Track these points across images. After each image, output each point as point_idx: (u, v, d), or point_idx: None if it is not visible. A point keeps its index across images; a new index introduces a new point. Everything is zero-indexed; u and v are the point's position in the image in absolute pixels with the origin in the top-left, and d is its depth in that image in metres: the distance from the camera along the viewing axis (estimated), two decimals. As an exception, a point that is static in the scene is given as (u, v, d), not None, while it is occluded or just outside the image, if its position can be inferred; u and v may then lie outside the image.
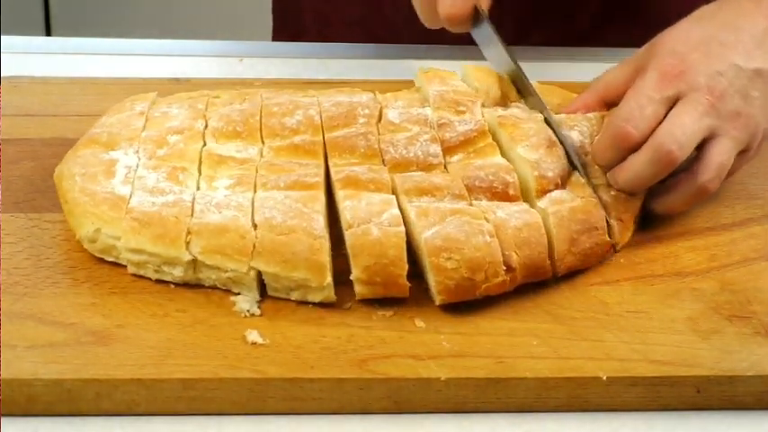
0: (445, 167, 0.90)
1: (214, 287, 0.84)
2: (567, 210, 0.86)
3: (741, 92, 0.89)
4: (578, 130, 0.94)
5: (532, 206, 0.88)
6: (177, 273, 0.84)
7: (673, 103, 0.88)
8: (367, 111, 0.94)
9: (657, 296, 0.85)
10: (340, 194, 0.86)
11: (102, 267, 0.85)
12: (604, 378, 0.78)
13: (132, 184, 0.87)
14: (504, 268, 0.82)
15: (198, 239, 0.83)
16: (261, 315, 0.82)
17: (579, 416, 0.79)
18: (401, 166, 0.89)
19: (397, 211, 0.84)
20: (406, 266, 0.82)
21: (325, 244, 0.82)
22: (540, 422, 0.78)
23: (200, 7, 2.39)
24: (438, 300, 0.82)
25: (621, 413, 0.79)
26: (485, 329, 0.81)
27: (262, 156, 0.91)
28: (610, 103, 0.95)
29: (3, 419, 0.76)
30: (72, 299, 0.83)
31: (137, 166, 0.89)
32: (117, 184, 0.87)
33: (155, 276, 0.84)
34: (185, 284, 0.84)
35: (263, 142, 0.92)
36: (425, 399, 0.78)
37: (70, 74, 1.10)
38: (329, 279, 0.81)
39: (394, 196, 0.86)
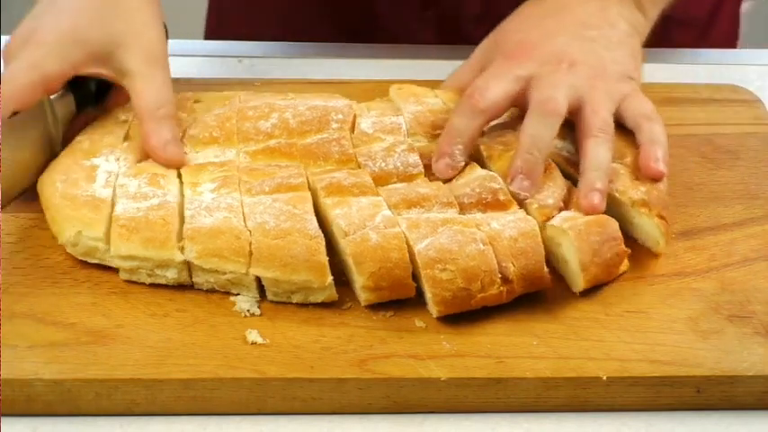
0: (425, 177, 0.89)
1: (212, 290, 0.84)
2: (583, 223, 0.85)
3: (590, 53, 0.92)
4: (569, 138, 0.93)
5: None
6: (171, 275, 0.84)
7: (527, 80, 0.91)
8: (340, 116, 0.93)
9: (657, 296, 0.85)
10: (327, 202, 0.85)
11: (102, 267, 0.85)
12: (604, 378, 0.78)
13: (114, 191, 0.87)
14: (501, 278, 0.82)
15: (192, 244, 0.82)
16: (261, 315, 0.82)
17: (579, 416, 0.79)
18: (381, 179, 0.89)
19: (388, 212, 0.84)
20: (410, 266, 0.82)
21: (323, 243, 0.82)
22: (540, 422, 0.78)
23: (200, 7, 2.39)
24: (435, 312, 0.82)
25: (621, 413, 0.79)
26: (485, 329, 0.81)
27: (240, 159, 0.90)
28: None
29: (3, 419, 0.76)
30: (72, 299, 0.83)
31: (117, 174, 0.89)
32: (98, 188, 0.87)
33: (149, 281, 0.84)
34: (188, 285, 0.84)
35: (239, 147, 0.92)
36: (425, 399, 0.78)
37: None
38: (330, 278, 0.81)
39: (381, 197, 0.86)
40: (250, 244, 0.82)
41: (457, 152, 0.89)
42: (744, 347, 0.81)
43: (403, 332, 0.81)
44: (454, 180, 0.89)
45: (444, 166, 0.89)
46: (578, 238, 0.84)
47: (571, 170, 0.91)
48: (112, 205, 0.86)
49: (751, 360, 0.80)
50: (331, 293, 0.82)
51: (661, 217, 0.89)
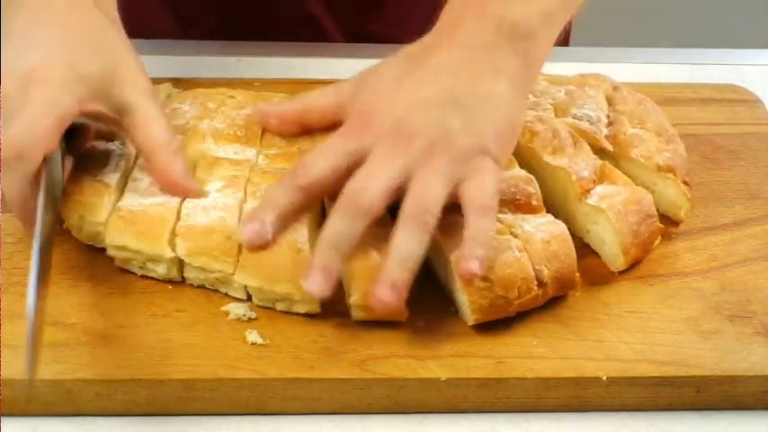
0: None
1: (202, 286, 0.84)
2: (620, 203, 0.86)
3: (436, 123, 0.81)
4: (587, 107, 0.95)
5: (575, 211, 0.88)
6: (161, 270, 0.84)
7: (360, 156, 0.81)
8: None
9: (657, 296, 0.85)
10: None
11: (102, 267, 0.86)
12: (604, 378, 0.78)
13: (122, 175, 0.88)
14: (537, 283, 0.82)
15: (184, 241, 0.83)
16: (257, 318, 0.82)
17: (579, 416, 0.79)
18: None
19: None
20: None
21: (309, 256, 0.81)
22: (540, 422, 0.78)
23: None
24: (472, 320, 0.81)
25: (621, 413, 0.79)
26: (485, 329, 0.81)
27: (258, 161, 0.90)
28: (307, 124, 0.92)
29: (3, 419, 0.76)
30: (72, 299, 0.83)
31: (131, 156, 0.89)
32: (107, 173, 0.88)
33: (140, 272, 0.85)
34: (188, 285, 0.84)
35: (261, 149, 0.92)
36: (425, 399, 0.78)
37: (70, 74, 1.10)
38: None
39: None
40: (240, 245, 0.82)
41: (267, 220, 0.79)
42: (744, 347, 0.81)
43: (403, 332, 0.81)
44: None
45: (251, 231, 0.79)
46: (618, 220, 0.85)
47: (593, 141, 0.92)
48: (119, 191, 0.87)
49: (751, 360, 0.80)
50: (314, 306, 0.82)
51: (685, 183, 0.91)
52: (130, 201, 0.86)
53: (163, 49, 1.19)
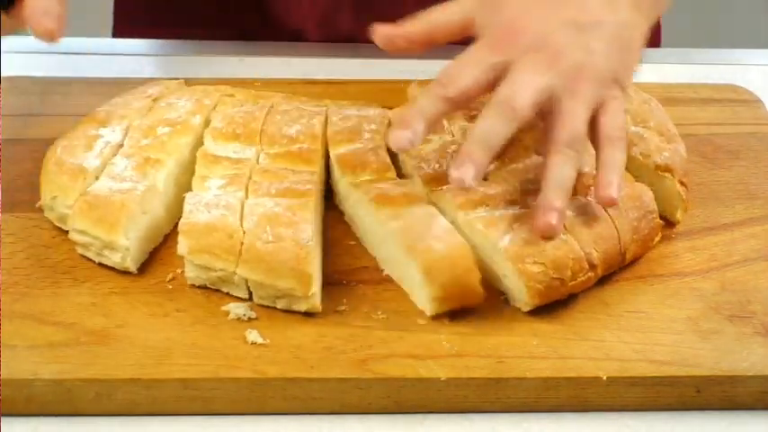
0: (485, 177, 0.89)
1: (204, 286, 0.84)
2: (620, 198, 0.86)
3: (580, 46, 0.83)
4: None
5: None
6: (116, 258, 0.84)
7: (502, 70, 0.83)
8: (373, 126, 0.94)
9: (657, 296, 0.85)
10: (382, 214, 0.85)
11: (102, 267, 0.86)
12: (604, 378, 0.78)
13: (102, 163, 0.88)
14: (588, 266, 0.83)
15: (186, 239, 0.83)
16: (257, 318, 0.82)
17: (579, 416, 0.79)
18: (436, 180, 0.88)
19: (444, 221, 0.83)
20: (479, 273, 0.81)
21: (312, 253, 0.82)
22: (540, 422, 0.78)
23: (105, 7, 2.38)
24: (530, 305, 0.82)
25: (621, 413, 0.79)
26: (485, 329, 0.81)
27: (258, 160, 0.90)
28: (435, 42, 0.91)
29: (3, 419, 0.76)
30: (72, 299, 0.83)
31: (116, 145, 0.90)
32: (89, 157, 0.89)
33: (97, 260, 0.85)
34: (188, 285, 0.84)
35: (260, 147, 0.92)
36: (425, 399, 0.78)
37: (70, 74, 1.10)
38: (314, 289, 0.81)
39: (431, 206, 0.85)
40: (241, 243, 0.82)
41: (419, 128, 0.81)
42: (744, 347, 0.81)
43: (403, 332, 0.81)
44: (513, 165, 0.89)
45: (403, 137, 0.81)
46: (618, 217, 0.85)
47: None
48: (96, 177, 0.88)
49: (751, 360, 0.80)
50: (314, 304, 0.82)
51: (682, 183, 0.91)
52: (100, 185, 0.87)
53: (164, 49, 1.20)
